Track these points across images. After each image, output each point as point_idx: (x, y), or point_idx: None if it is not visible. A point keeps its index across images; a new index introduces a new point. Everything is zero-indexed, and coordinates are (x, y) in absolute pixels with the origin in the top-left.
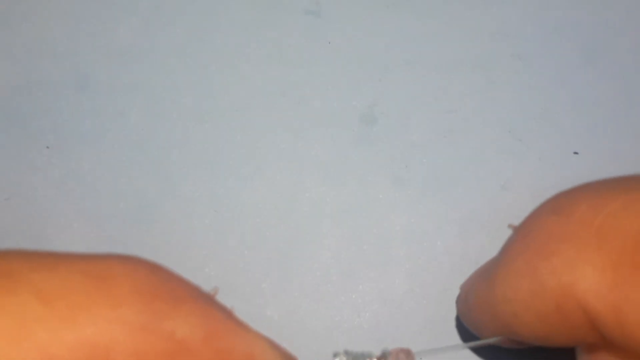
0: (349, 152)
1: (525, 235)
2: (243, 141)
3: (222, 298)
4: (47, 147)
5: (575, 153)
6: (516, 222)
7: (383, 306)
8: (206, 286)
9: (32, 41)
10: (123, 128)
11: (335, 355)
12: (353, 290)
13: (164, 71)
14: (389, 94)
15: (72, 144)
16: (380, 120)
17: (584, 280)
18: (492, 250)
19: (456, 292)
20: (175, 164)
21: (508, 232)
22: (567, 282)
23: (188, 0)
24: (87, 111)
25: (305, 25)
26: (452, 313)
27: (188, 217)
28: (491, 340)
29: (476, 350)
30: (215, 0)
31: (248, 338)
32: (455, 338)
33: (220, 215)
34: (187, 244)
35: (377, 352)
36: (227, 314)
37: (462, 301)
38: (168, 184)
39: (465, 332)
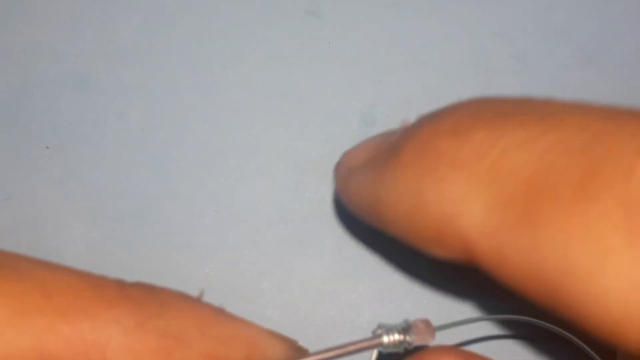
0: None
1: (418, 143)
2: (243, 141)
3: (223, 298)
4: (47, 147)
5: None
6: None
7: (383, 306)
8: (206, 286)
9: (32, 41)
10: (123, 128)
11: (375, 330)
12: (353, 290)
13: (164, 71)
14: (389, 94)
15: (72, 144)
16: (380, 121)
17: (470, 216)
18: None
19: (456, 292)
20: (175, 164)
21: None
22: (452, 213)
23: (188, 0)
24: (87, 111)
25: (305, 26)
26: (452, 313)
27: (188, 217)
28: (513, 317)
29: (493, 323)
30: (215, 0)
31: (246, 326)
32: (455, 338)
33: (220, 215)
34: (187, 244)
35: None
36: (218, 309)
37: (344, 177)
38: (168, 184)
39: (465, 332)
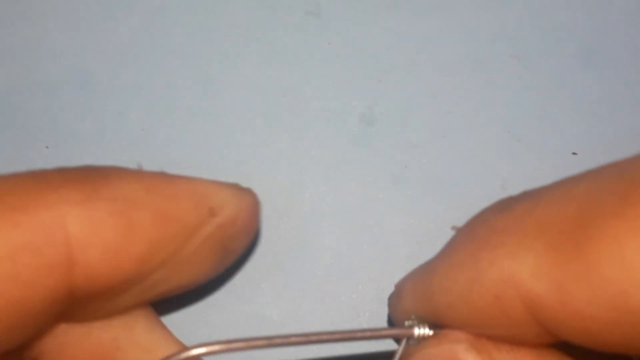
0: (349, 152)
1: (468, 232)
2: (243, 141)
3: (223, 298)
4: (47, 147)
5: (574, 154)
6: None
7: (383, 306)
8: (205, 286)
9: (32, 41)
10: (123, 128)
11: (408, 320)
12: (353, 290)
13: (164, 71)
14: (388, 94)
15: (72, 144)
16: (380, 121)
17: (525, 266)
18: None
19: None
20: (175, 164)
21: None
22: (508, 271)
23: (188, 0)
24: (87, 111)
25: (305, 26)
26: None
27: None
28: None
29: None
30: (215, 0)
31: (190, 180)
32: None
33: None
34: None
35: None
36: (160, 172)
37: (395, 296)
38: None
39: None
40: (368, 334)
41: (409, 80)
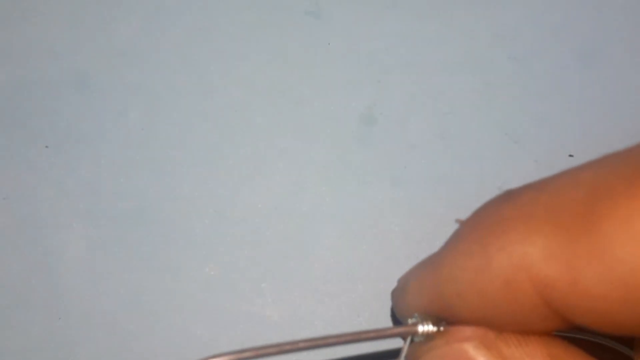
0: (349, 152)
1: (474, 222)
2: (243, 141)
3: (222, 298)
4: (47, 147)
5: (571, 156)
6: None
7: (383, 306)
8: (206, 286)
9: (32, 41)
10: (123, 128)
11: (412, 318)
12: (353, 290)
13: (164, 71)
14: (388, 95)
15: (71, 144)
16: (380, 121)
17: (535, 249)
18: None
19: None
20: (175, 164)
21: None
22: (518, 255)
23: (188, 0)
24: (87, 111)
25: (304, 26)
26: None
27: (188, 217)
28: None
29: None
30: (215, 0)
31: None
32: None
33: (220, 215)
34: (187, 244)
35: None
36: None
37: (399, 290)
38: (168, 184)
39: None
40: (373, 334)
41: (408, 81)
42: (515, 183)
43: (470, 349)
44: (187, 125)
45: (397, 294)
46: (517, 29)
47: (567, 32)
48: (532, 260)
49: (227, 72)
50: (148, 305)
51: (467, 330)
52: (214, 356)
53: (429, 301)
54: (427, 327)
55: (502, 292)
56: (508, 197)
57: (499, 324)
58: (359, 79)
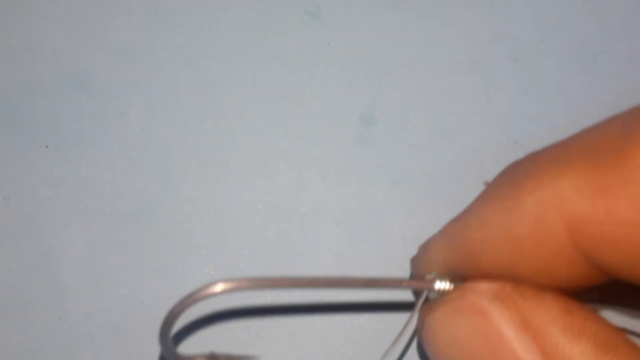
0: (349, 152)
1: (504, 174)
2: (243, 141)
3: (222, 298)
4: (47, 147)
5: None
6: None
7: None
8: None
9: (32, 41)
10: (123, 128)
11: (429, 275)
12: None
13: (164, 71)
14: (388, 95)
15: (71, 143)
16: (380, 122)
17: (568, 184)
18: None
19: None
20: (175, 164)
21: None
22: (550, 193)
23: (188, 0)
24: (87, 111)
25: (304, 27)
26: None
27: (188, 217)
28: None
29: None
30: (215, 1)
31: None
32: None
33: (220, 215)
34: (187, 244)
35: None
36: None
37: (420, 250)
38: (168, 184)
39: None
40: (390, 282)
41: (408, 81)
42: None
43: (485, 301)
44: (187, 125)
45: (417, 256)
46: (518, 28)
47: (568, 31)
48: (564, 196)
49: (227, 72)
50: (148, 305)
51: (483, 285)
52: (231, 280)
53: (452, 251)
54: (444, 284)
55: (531, 232)
56: (536, 152)
57: (520, 273)
58: (358, 79)
